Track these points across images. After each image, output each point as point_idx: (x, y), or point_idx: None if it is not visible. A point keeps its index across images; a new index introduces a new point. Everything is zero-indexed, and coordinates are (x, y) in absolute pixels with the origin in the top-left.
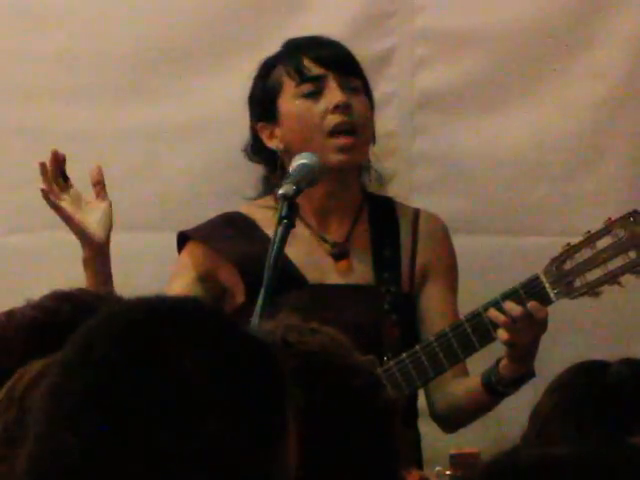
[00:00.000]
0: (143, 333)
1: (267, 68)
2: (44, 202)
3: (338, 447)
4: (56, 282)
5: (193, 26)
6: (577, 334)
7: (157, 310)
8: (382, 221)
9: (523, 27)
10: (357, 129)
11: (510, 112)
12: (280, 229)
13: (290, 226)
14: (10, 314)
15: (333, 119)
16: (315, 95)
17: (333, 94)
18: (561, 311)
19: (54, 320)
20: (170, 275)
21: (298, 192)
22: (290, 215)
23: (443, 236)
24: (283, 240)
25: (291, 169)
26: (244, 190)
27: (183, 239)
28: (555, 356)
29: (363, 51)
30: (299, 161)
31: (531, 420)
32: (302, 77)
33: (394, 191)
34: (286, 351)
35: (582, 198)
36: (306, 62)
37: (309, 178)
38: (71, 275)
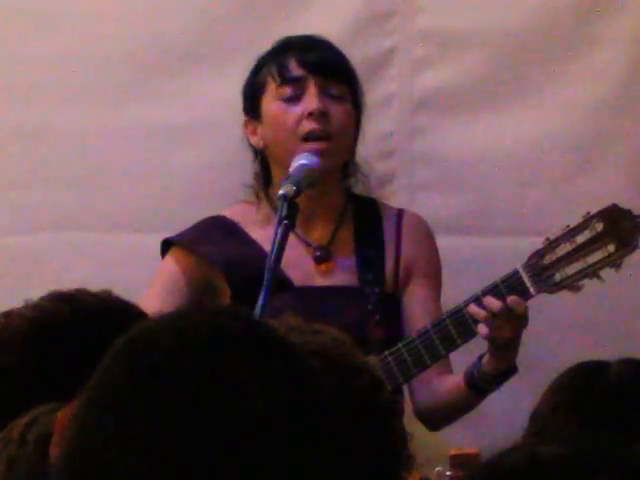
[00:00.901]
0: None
1: (258, 64)
2: (43, 202)
3: (339, 447)
4: (56, 282)
5: (192, 26)
6: (577, 334)
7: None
8: (366, 222)
9: (523, 27)
10: (332, 136)
11: (510, 113)
12: (280, 229)
13: (291, 227)
14: (8, 315)
15: (307, 125)
16: (294, 99)
17: (310, 100)
18: (561, 311)
19: (52, 321)
20: (153, 279)
21: (298, 193)
22: (290, 215)
23: (426, 236)
24: (283, 240)
25: (291, 169)
26: (241, 191)
27: (166, 244)
28: (555, 357)
29: (363, 51)
30: (299, 161)
31: (531, 420)
32: (282, 79)
33: (394, 191)
34: None
35: (583, 199)
36: (290, 63)
37: (309, 179)
38: (70, 276)
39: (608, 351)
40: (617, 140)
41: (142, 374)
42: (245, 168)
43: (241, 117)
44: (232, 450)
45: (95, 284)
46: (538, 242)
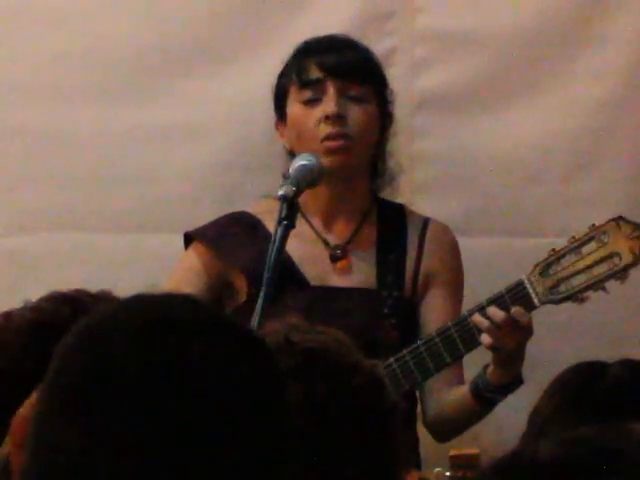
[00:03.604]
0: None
1: (284, 66)
2: (43, 203)
3: (337, 446)
4: (55, 283)
5: (193, 27)
6: (577, 335)
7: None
8: (390, 226)
9: (523, 28)
10: (349, 137)
11: (510, 113)
12: (280, 230)
13: (290, 227)
14: (8, 316)
15: (325, 129)
16: (314, 102)
17: (327, 104)
18: (561, 312)
19: (52, 322)
20: (173, 269)
21: (298, 193)
22: (290, 216)
23: (450, 246)
24: (283, 241)
25: (291, 170)
26: (243, 192)
27: (188, 237)
28: (555, 357)
29: None
30: (299, 162)
31: (530, 421)
32: (301, 82)
33: (394, 191)
34: (288, 349)
35: (582, 199)
36: (310, 66)
37: (309, 179)
38: (70, 276)
39: (608, 352)
40: (617, 141)
41: (96, 370)
42: (245, 168)
43: (242, 117)
44: (195, 436)
45: (95, 284)
46: (539, 242)
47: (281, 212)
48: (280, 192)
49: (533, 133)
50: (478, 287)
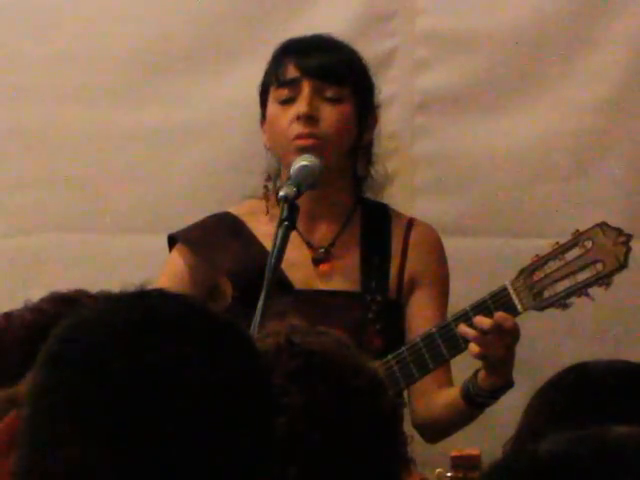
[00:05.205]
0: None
1: (268, 65)
2: (43, 204)
3: (338, 447)
4: (56, 284)
5: (193, 27)
6: (576, 335)
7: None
8: (374, 228)
9: (523, 28)
10: (320, 138)
11: (510, 114)
12: (281, 231)
13: (291, 228)
14: (8, 316)
15: (296, 128)
16: (289, 101)
17: (300, 103)
18: (560, 313)
19: (53, 322)
20: (159, 275)
21: (299, 194)
22: (291, 217)
23: (435, 247)
24: (284, 242)
25: (292, 171)
26: (243, 193)
27: (173, 240)
28: (554, 358)
29: (364, 53)
30: (300, 163)
31: (523, 417)
32: (278, 81)
33: (394, 193)
34: (289, 351)
35: (582, 199)
36: (288, 66)
37: (310, 180)
38: (70, 276)
39: (608, 352)
40: (618, 140)
41: (84, 371)
42: (246, 169)
43: (242, 118)
44: (182, 436)
45: (95, 285)
46: (539, 244)
47: (282, 213)
48: (281, 193)
49: (533, 133)
50: (478, 288)
